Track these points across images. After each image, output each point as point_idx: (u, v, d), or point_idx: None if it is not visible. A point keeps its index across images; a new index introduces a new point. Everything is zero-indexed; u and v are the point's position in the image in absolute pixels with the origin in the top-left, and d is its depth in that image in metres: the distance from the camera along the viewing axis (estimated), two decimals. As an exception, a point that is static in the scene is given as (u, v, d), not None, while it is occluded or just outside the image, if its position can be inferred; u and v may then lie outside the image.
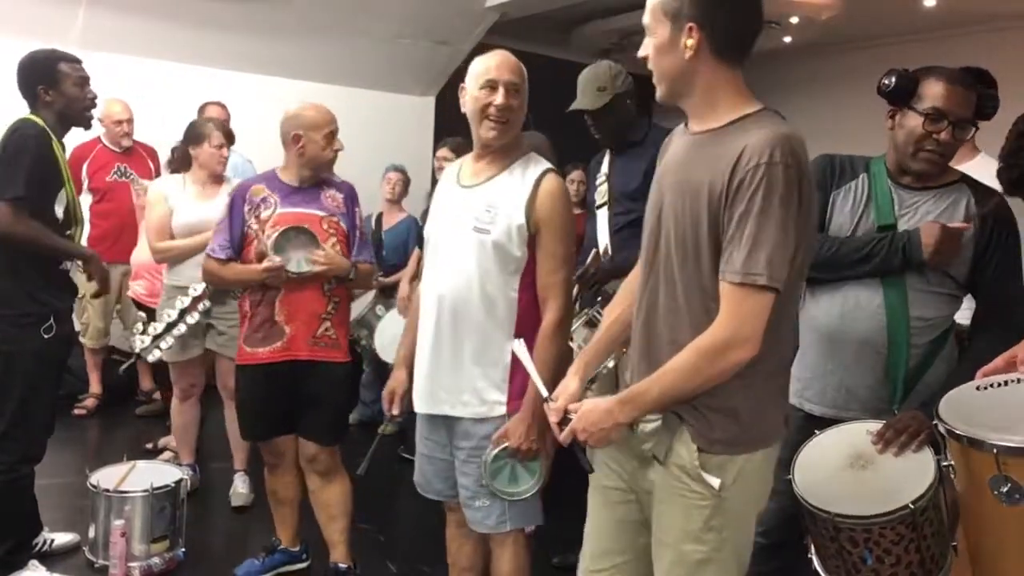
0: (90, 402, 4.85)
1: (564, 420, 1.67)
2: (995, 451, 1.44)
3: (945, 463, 1.68)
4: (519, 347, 1.86)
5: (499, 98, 2.10)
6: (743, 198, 1.47)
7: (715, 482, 1.56)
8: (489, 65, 2.14)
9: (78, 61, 2.81)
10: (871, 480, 1.83)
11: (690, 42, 1.56)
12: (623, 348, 1.84)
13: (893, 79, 2.01)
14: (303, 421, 2.80)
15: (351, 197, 2.86)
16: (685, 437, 1.58)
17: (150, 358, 3.49)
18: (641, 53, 1.66)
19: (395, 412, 2.39)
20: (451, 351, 2.17)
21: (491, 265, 2.12)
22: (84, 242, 4.64)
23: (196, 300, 3.43)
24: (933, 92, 1.97)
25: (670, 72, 1.61)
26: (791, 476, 1.89)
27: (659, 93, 1.66)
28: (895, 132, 2.05)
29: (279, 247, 2.65)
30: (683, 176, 1.61)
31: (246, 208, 2.76)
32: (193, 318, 3.43)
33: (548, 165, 2.19)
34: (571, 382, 1.76)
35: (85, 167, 4.63)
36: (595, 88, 2.89)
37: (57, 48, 2.85)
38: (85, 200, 4.60)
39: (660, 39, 1.60)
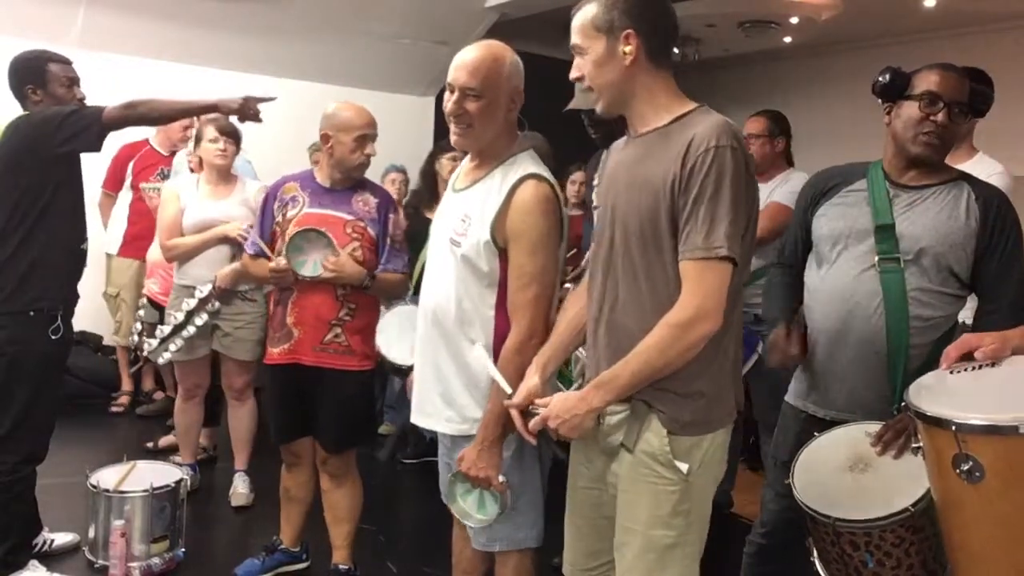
0: (124, 399, 4.92)
1: (529, 414, 1.73)
2: (954, 428, 1.44)
3: (915, 445, 1.68)
4: (479, 351, 1.85)
5: (450, 103, 1.99)
6: (696, 182, 1.56)
7: (684, 467, 1.62)
8: (454, 63, 1.99)
9: (68, 62, 2.82)
10: (871, 483, 1.83)
11: (628, 49, 1.65)
12: (577, 352, 1.89)
13: (887, 75, 2.06)
14: (315, 424, 2.78)
15: (386, 204, 2.77)
16: (655, 424, 1.64)
17: (160, 360, 3.50)
18: (574, 74, 1.74)
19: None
20: (434, 365, 2.10)
21: (465, 279, 2.02)
22: (108, 238, 4.73)
23: (203, 302, 3.43)
24: (927, 80, 2.01)
25: (612, 82, 1.69)
26: (791, 480, 1.89)
27: (601, 105, 1.73)
28: (893, 124, 2.07)
29: (298, 247, 2.63)
30: (636, 172, 1.68)
31: (276, 205, 2.76)
32: (201, 319, 3.44)
33: (530, 170, 2.00)
34: (532, 379, 1.81)
35: (131, 165, 4.66)
36: None
37: (54, 48, 2.86)
38: (125, 197, 4.69)
39: (596, 53, 1.68)
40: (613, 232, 1.72)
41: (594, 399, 1.63)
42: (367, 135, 2.68)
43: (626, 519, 1.69)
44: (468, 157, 2.16)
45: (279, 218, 2.73)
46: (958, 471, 1.45)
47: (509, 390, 1.80)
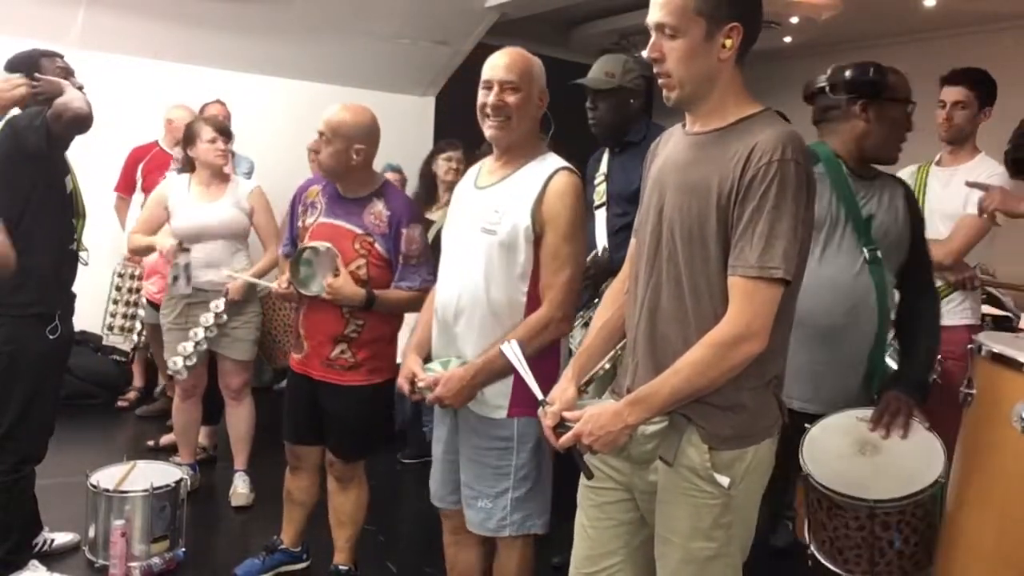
0: (132, 395, 5.01)
1: (560, 425, 1.63)
2: None
3: (966, 390, 1.73)
4: (508, 348, 1.83)
5: (491, 97, 2.09)
6: (755, 194, 1.48)
7: (725, 481, 1.56)
8: (489, 64, 2.13)
9: (60, 56, 2.81)
10: (886, 464, 1.86)
11: (729, 43, 1.53)
12: (619, 350, 1.82)
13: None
14: (325, 433, 2.78)
15: (399, 216, 2.61)
16: (695, 438, 1.57)
17: (181, 377, 3.53)
18: (652, 53, 1.58)
19: (414, 397, 2.25)
20: (457, 351, 2.14)
21: (497, 267, 2.08)
22: (117, 238, 4.70)
23: (218, 316, 3.46)
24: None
25: (699, 74, 1.56)
26: (807, 474, 1.89)
27: (677, 95, 1.58)
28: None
29: (307, 262, 2.62)
30: (688, 176, 1.60)
31: (299, 209, 2.78)
32: (212, 332, 3.48)
33: (562, 164, 2.12)
34: (567, 388, 1.71)
35: (141, 167, 4.65)
36: (603, 71, 2.89)
37: (55, 48, 2.86)
38: (138, 199, 4.64)
39: (692, 40, 1.52)
40: (659, 234, 1.63)
41: (630, 416, 1.54)
42: (321, 132, 2.58)
43: (664, 529, 1.63)
44: (492, 156, 2.22)
45: (300, 223, 2.75)
46: (1015, 420, 1.50)
47: (540, 396, 1.71)
